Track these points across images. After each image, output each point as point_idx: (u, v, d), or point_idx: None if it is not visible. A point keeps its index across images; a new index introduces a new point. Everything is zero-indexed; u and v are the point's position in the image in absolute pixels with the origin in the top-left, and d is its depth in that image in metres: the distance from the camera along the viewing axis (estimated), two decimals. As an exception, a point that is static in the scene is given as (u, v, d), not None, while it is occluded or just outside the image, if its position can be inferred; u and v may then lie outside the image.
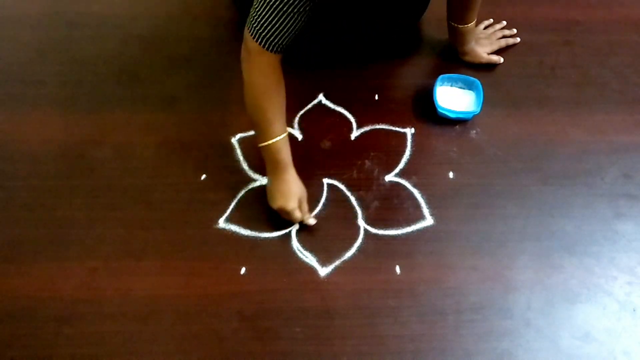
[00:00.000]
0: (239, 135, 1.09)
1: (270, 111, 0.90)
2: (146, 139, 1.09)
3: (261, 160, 1.05)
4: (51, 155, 1.08)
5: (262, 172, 1.04)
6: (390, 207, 1.01)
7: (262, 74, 0.87)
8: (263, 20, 0.81)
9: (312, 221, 0.97)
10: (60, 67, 1.21)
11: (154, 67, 1.21)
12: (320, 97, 1.15)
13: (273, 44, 0.83)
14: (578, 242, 0.97)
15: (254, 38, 0.83)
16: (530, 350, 0.87)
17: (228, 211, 1.00)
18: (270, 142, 0.91)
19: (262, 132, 0.92)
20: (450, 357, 0.86)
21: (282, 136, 0.92)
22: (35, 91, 1.17)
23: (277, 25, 0.81)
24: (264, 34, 0.82)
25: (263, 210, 1.00)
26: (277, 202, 0.95)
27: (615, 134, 1.10)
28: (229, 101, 1.14)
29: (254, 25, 0.82)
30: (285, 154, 0.94)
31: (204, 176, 1.04)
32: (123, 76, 1.19)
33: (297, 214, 0.95)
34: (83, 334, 0.88)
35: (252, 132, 1.09)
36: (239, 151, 1.08)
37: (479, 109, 1.09)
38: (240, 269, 0.94)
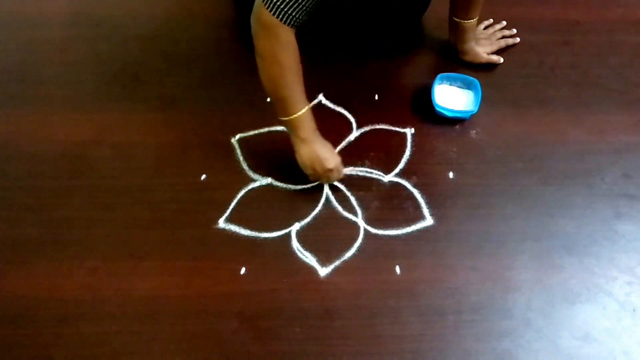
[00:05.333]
0: (239, 135, 1.09)
1: (290, 85, 0.88)
2: (146, 139, 1.09)
3: (261, 160, 1.05)
4: (51, 155, 1.07)
5: (262, 172, 1.04)
6: (390, 207, 1.01)
7: (282, 48, 0.85)
8: None
9: (347, 170, 1.01)
10: (60, 67, 1.21)
11: (154, 67, 1.21)
12: (320, 97, 1.15)
13: (291, 17, 0.82)
14: (578, 242, 0.97)
15: (271, 12, 0.81)
16: (530, 350, 0.87)
17: (228, 211, 1.00)
18: (293, 116, 0.90)
19: (284, 107, 0.90)
20: (450, 357, 0.86)
21: (304, 109, 0.91)
22: (35, 91, 1.17)
23: None
24: (282, 7, 0.80)
25: (263, 210, 1.00)
26: (310, 168, 0.95)
27: (615, 134, 1.09)
28: (229, 101, 1.14)
29: (273, 0, 0.81)
30: (311, 126, 0.93)
31: (204, 176, 1.04)
32: (123, 76, 1.19)
33: (334, 175, 0.97)
34: (83, 334, 0.88)
35: (252, 132, 1.09)
36: (239, 151, 1.07)
37: (476, 109, 1.08)
38: (240, 269, 0.94)
